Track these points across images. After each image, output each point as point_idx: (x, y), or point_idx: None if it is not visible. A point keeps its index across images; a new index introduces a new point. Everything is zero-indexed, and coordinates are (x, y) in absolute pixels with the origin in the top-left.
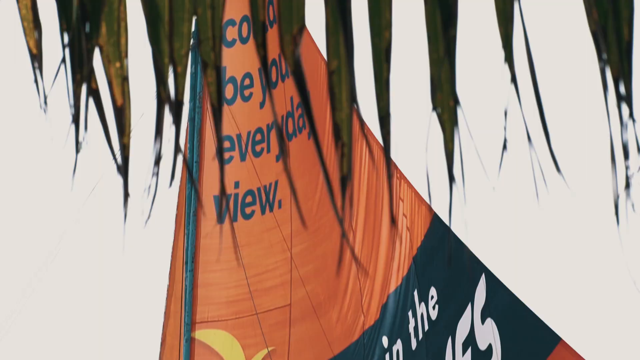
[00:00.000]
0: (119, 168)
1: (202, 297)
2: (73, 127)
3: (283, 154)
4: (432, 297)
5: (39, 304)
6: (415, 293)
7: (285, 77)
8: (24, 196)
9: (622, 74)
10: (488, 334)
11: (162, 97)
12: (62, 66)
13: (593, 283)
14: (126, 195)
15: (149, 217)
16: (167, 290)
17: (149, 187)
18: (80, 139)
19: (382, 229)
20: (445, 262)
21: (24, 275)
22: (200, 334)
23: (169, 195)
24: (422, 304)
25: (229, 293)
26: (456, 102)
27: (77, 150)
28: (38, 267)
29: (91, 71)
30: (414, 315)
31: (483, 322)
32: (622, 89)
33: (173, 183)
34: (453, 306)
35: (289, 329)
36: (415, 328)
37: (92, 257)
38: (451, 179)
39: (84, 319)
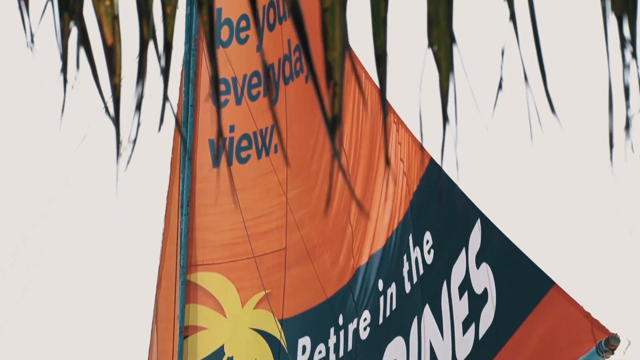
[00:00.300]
0: (107, 109)
1: (198, 240)
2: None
3: (270, 97)
4: (427, 241)
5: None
6: (410, 237)
7: (282, 19)
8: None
9: (627, 10)
10: (483, 278)
11: (144, 37)
12: (50, 3)
13: (589, 227)
14: (118, 138)
15: (128, 162)
16: (163, 234)
17: (130, 131)
18: (70, 78)
19: (378, 173)
20: (440, 206)
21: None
22: (195, 277)
23: (164, 140)
24: (417, 248)
25: (224, 236)
26: (452, 39)
27: (66, 90)
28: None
29: (80, 9)
30: (408, 259)
31: (478, 266)
32: (626, 29)
33: (162, 127)
34: (447, 251)
35: (284, 272)
36: (410, 272)
37: (85, 203)
38: (445, 118)
39: (78, 262)
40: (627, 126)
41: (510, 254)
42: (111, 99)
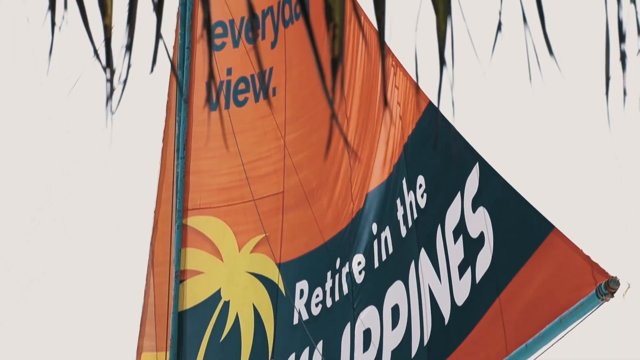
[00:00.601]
0: (97, 53)
1: (194, 184)
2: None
3: (255, 36)
4: (420, 185)
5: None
6: (404, 181)
7: None
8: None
9: None
10: (479, 222)
11: None
12: None
13: (588, 170)
14: (111, 81)
15: (119, 103)
16: (158, 178)
17: (120, 73)
18: (59, 19)
19: (375, 116)
20: (437, 150)
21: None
22: (191, 221)
23: (160, 82)
24: (411, 192)
25: (221, 180)
26: None
27: (53, 31)
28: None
29: None
30: (403, 203)
31: (474, 210)
32: None
33: (154, 69)
34: (442, 195)
35: (282, 216)
36: (404, 216)
37: (80, 147)
38: (442, 62)
39: (75, 208)
40: (624, 68)
41: (509, 198)
42: (102, 43)
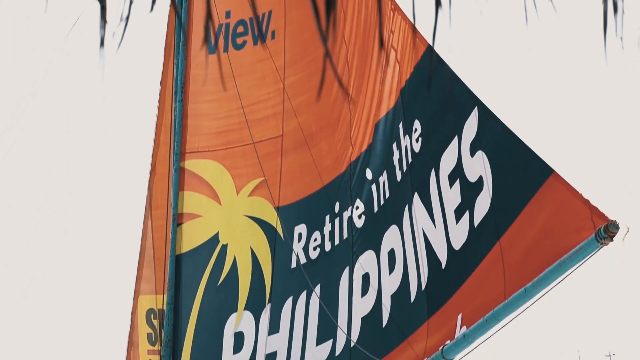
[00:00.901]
0: None
1: (192, 127)
2: None
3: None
4: (416, 129)
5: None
6: (401, 125)
7: None
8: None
9: None
10: (478, 167)
11: None
12: None
13: (587, 114)
14: (104, 17)
15: (120, 42)
16: (156, 120)
17: (122, 12)
18: None
19: (372, 61)
20: (433, 93)
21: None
22: (189, 164)
23: (158, 26)
24: (407, 136)
25: (219, 124)
26: None
27: None
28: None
29: None
30: (399, 147)
31: (473, 154)
32: None
33: (154, 8)
34: (437, 139)
35: (281, 159)
36: (400, 160)
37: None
38: (437, 2)
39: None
40: (615, 10)
41: (508, 142)
42: None
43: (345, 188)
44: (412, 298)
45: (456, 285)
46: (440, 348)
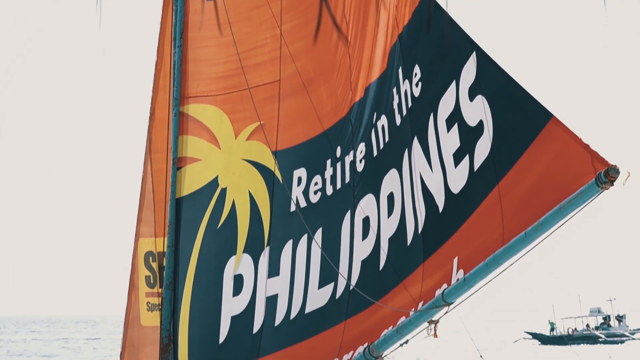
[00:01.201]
0: None
1: (192, 72)
2: None
3: None
4: (416, 74)
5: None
6: (400, 70)
7: None
8: None
9: None
10: (478, 111)
11: None
12: None
13: (586, 60)
14: None
15: None
16: (155, 66)
17: None
18: None
19: (370, 6)
20: (431, 37)
21: None
22: (189, 109)
23: None
24: (406, 81)
25: (218, 69)
26: None
27: None
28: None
29: None
30: (398, 92)
31: (472, 99)
32: None
33: None
34: (436, 83)
35: (278, 104)
36: (399, 104)
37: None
38: None
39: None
40: None
41: (508, 86)
42: None
43: (346, 132)
44: (409, 241)
45: (453, 229)
46: (442, 292)
